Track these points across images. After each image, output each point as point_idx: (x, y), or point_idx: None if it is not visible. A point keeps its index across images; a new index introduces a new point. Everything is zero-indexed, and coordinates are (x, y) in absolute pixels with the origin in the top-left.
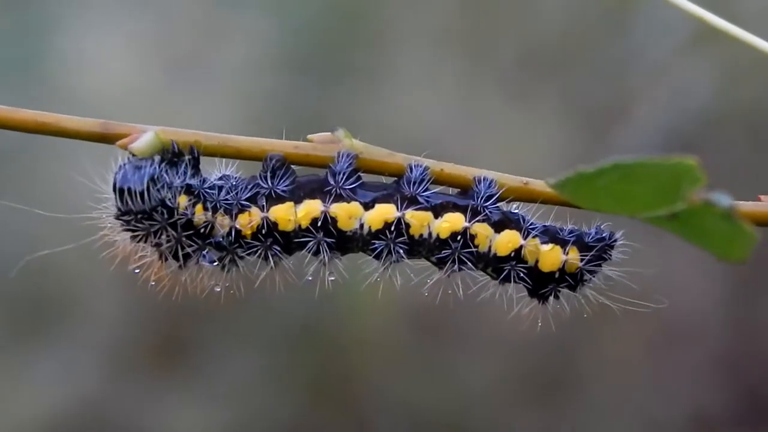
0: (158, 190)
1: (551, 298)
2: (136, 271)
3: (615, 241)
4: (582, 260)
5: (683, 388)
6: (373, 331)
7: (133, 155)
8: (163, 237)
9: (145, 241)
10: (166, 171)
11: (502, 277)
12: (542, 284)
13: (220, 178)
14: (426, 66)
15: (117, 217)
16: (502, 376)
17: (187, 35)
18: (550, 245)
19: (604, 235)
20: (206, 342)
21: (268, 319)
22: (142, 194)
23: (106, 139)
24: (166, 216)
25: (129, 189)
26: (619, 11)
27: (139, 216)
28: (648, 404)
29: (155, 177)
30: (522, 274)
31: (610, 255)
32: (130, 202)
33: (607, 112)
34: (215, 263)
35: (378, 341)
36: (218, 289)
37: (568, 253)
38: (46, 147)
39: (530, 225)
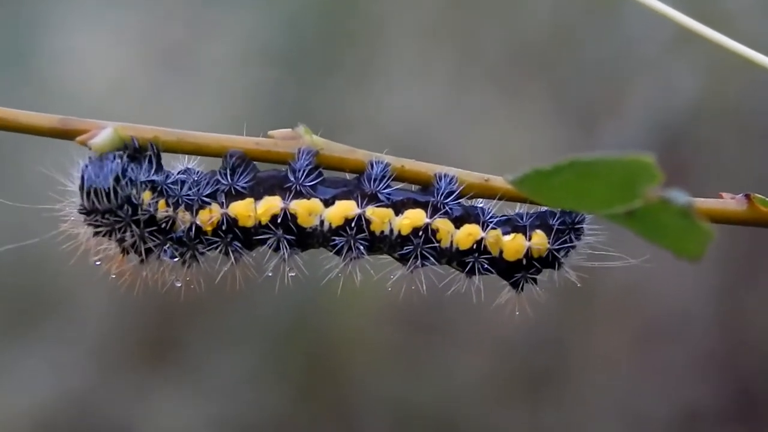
0: (124, 187)
1: (525, 285)
2: (98, 263)
3: (582, 219)
4: (549, 242)
5: (671, 383)
6: (361, 327)
7: (93, 151)
8: (127, 233)
9: (109, 237)
10: (131, 167)
11: (467, 270)
12: (512, 273)
13: (183, 172)
14: (415, 62)
15: (81, 213)
16: (489, 372)
17: (175, 30)
18: (512, 234)
19: (569, 215)
20: (194, 338)
21: (256, 315)
22: (108, 193)
23: (66, 134)
24: (130, 212)
25: (96, 188)
26: (607, 7)
27: (104, 213)
28: (636, 400)
29: (121, 174)
30: (486, 265)
31: (580, 233)
32: (96, 202)
33: (596, 108)
34: (176, 258)
35: (366, 337)
36: (179, 284)
37: (531, 239)
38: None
39: (489, 217)
